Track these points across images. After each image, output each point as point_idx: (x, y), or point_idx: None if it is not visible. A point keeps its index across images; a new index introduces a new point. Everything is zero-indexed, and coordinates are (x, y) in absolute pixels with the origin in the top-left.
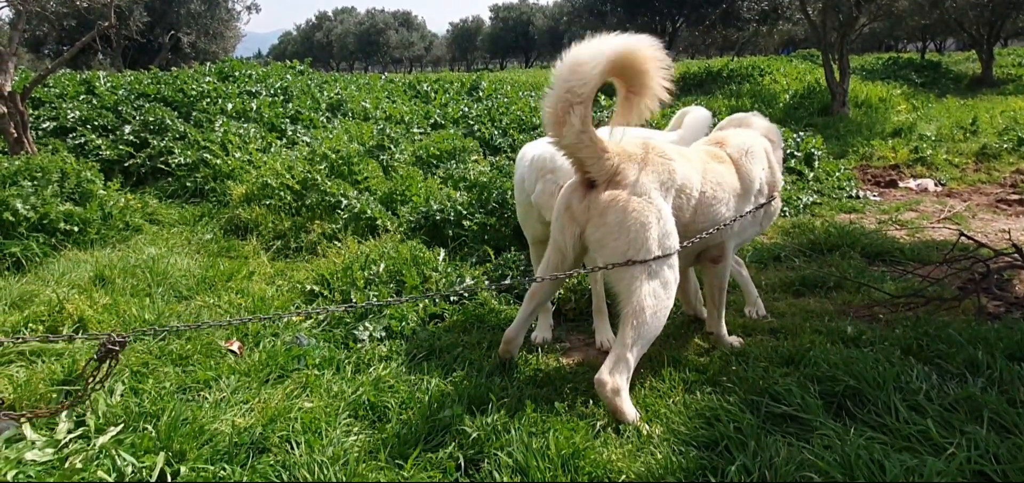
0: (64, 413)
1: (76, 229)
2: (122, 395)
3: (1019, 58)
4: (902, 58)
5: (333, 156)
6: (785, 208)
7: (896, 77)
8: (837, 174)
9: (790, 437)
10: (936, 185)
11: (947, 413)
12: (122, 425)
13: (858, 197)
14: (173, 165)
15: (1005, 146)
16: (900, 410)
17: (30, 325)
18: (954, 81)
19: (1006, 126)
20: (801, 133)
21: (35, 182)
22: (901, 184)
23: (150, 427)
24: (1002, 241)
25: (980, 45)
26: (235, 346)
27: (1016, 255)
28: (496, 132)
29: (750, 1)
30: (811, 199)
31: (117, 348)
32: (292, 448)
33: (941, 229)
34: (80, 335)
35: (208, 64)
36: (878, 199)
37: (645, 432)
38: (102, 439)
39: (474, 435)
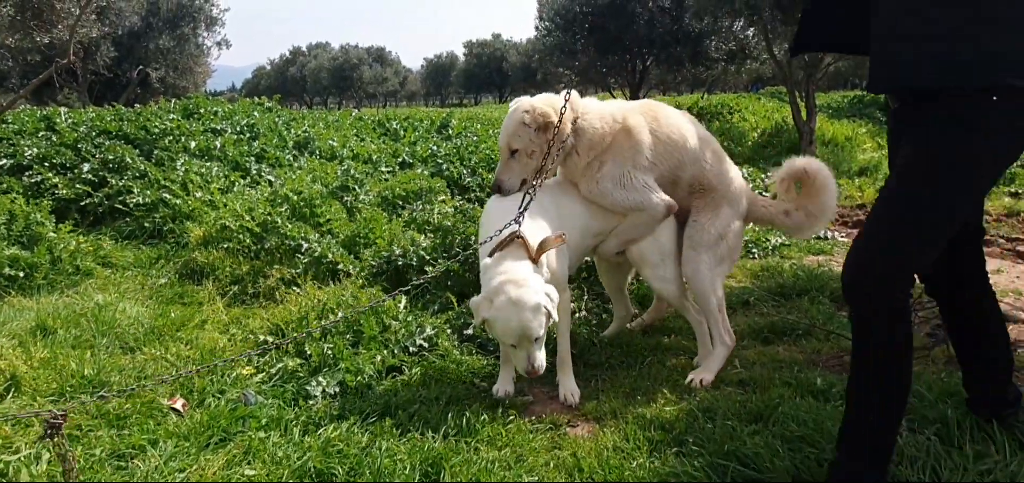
0: None
1: (21, 274)
2: (49, 463)
3: None
4: (867, 97)
5: (294, 198)
6: (753, 250)
7: (862, 115)
8: (819, 233)
9: None
10: None
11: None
12: None
13: (826, 238)
14: (131, 205)
15: None
16: None
17: None
18: None
19: None
20: (770, 172)
21: None
22: None
23: None
24: None
25: None
26: (179, 404)
27: None
28: (465, 171)
29: (718, 40)
30: (780, 241)
31: (60, 422)
32: None
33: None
34: (15, 414)
35: (173, 101)
36: (846, 240)
37: None
38: None
39: None
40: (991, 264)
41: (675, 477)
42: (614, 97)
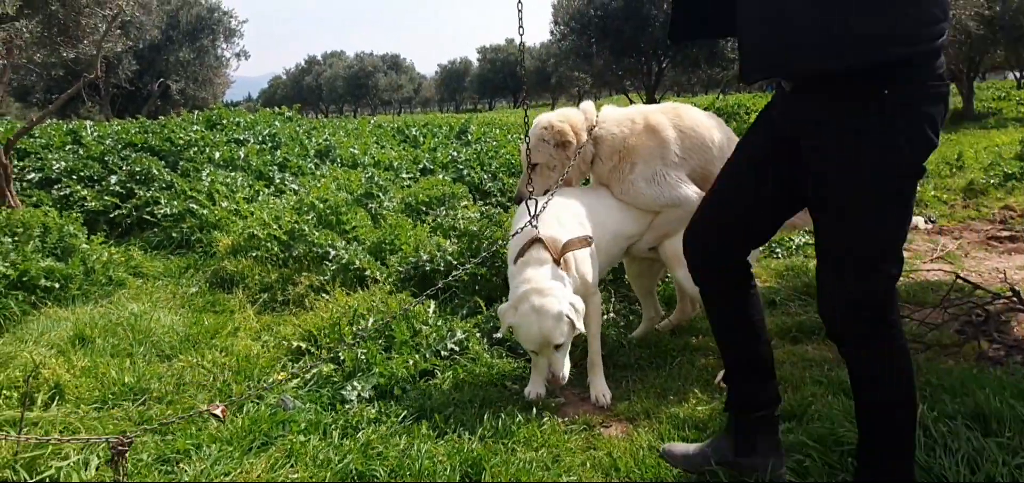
0: None
1: (57, 286)
2: (98, 469)
3: (998, 91)
4: None
5: (321, 205)
6: (777, 250)
7: None
8: None
9: None
10: (926, 222)
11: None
12: None
13: None
14: (159, 216)
15: (992, 181)
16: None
17: (4, 391)
18: None
19: (991, 161)
20: None
21: (16, 238)
22: None
23: None
24: (996, 281)
25: (960, 80)
26: (219, 410)
27: (1014, 298)
28: (486, 176)
29: (733, 41)
30: (803, 240)
31: (126, 448)
32: None
33: (935, 269)
34: (78, 438)
35: (196, 112)
36: None
37: None
38: None
39: None
40: (1017, 259)
41: (713, 476)
42: (631, 101)
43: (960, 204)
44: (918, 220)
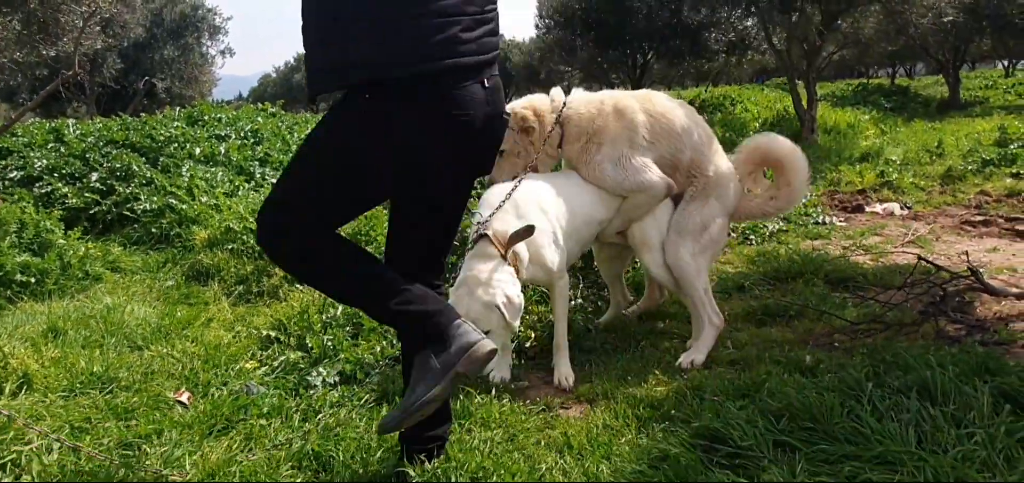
0: None
1: (33, 280)
2: (59, 452)
3: (985, 80)
4: (871, 84)
5: None
6: (751, 236)
7: (866, 103)
8: (803, 201)
9: (735, 474)
10: (902, 209)
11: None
12: None
13: (824, 223)
14: (139, 211)
15: (970, 167)
16: (847, 439)
17: None
18: (923, 105)
19: (970, 148)
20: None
21: None
22: (867, 209)
23: None
24: (963, 264)
25: (946, 69)
26: (184, 397)
27: (972, 277)
28: None
29: (718, 32)
30: (777, 227)
31: None
32: None
33: (905, 253)
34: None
35: (178, 109)
36: (844, 224)
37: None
38: None
39: (417, 481)
40: (988, 242)
41: (658, 450)
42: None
43: (937, 190)
44: (894, 206)
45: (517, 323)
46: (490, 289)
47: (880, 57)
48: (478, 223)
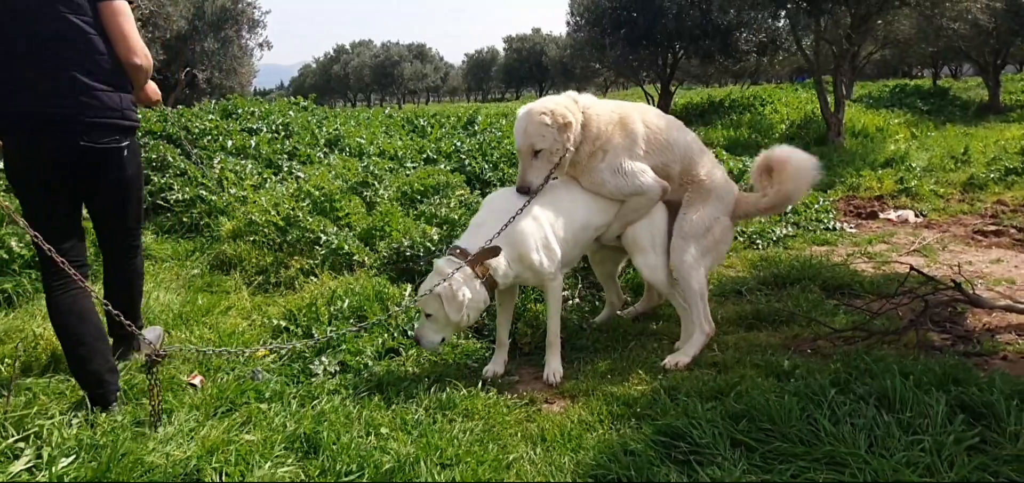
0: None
1: None
2: (77, 427)
3: None
4: (909, 85)
5: (316, 193)
6: (757, 241)
7: (902, 104)
8: (816, 205)
9: (690, 469)
10: (916, 216)
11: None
12: (74, 456)
13: (834, 229)
14: (171, 201)
15: (992, 176)
16: (801, 440)
17: (6, 360)
18: (961, 108)
19: (995, 155)
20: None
21: None
22: (882, 215)
23: (93, 460)
24: (962, 275)
25: (987, 71)
26: (197, 380)
27: (956, 290)
28: (486, 166)
29: (748, 32)
30: (786, 232)
31: (160, 359)
32: (222, 479)
33: (906, 262)
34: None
35: (213, 102)
36: (854, 231)
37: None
38: (48, 471)
39: (389, 465)
40: (995, 253)
41: (623, 446)
42: (646, 93)
43: (956, 198)
44: (908, 214)
45: (459, 317)
46: (446, 283)
47: (922, 57)
48: (453, 245)
